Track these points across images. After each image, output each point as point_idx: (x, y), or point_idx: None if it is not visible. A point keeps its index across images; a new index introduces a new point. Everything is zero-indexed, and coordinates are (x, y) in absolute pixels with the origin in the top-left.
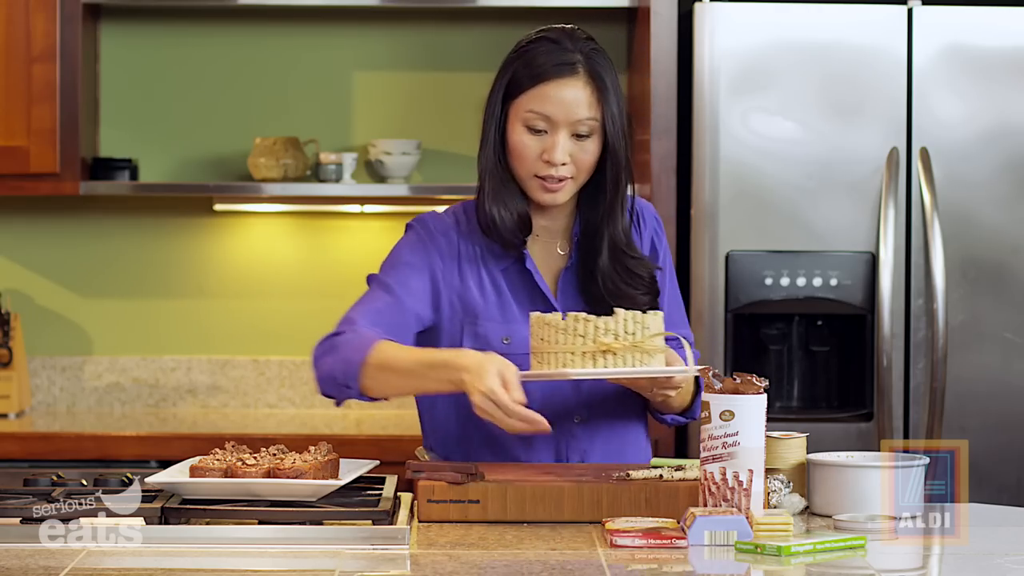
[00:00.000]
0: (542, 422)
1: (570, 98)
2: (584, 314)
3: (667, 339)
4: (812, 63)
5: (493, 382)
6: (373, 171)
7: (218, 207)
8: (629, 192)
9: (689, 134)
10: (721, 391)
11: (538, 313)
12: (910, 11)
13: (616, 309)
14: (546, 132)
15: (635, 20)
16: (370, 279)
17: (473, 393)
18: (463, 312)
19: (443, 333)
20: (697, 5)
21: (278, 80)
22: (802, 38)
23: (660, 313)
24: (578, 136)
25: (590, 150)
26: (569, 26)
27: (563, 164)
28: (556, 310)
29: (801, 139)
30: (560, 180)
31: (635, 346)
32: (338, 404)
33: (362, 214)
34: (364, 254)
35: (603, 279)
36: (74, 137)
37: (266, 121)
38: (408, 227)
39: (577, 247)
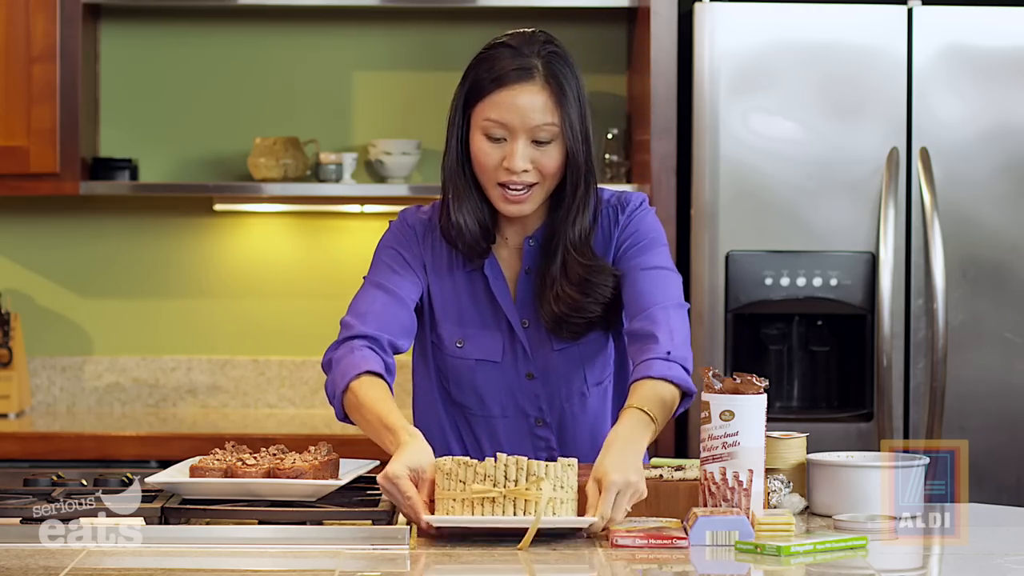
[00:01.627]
0: (421, 522)
1: (526, 104)
2: (466, 459)
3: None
4: (812, 63)
5: (401, 470)
6: (373, 171)
7: (218, 207)
8: (601, 193)
9: (689, 134)
10: (721, 391)
11: (444, 459)
12: (910, 11)
13: (498, 453)
14: (505, 140)
15: (635, 20)
16: (365, 280)
17: (386, 470)
18: (428, 312)
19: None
20: (697, 5)
21: (278, 80)
22: (802, 38)
23: (568, 462)
24: (538, 142)
25: (552, 155)
26: (530, 30)
27: (524, 171)
28: (515, 314)
29: (801, 139)
30: (523, 188)
31: (517, 493)
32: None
33: (362, 214)
34: (364, 254)
35: (555, 285)
36: (74, 137)
37: (266, 121)
38: (390, 224)
39: (535, 252)
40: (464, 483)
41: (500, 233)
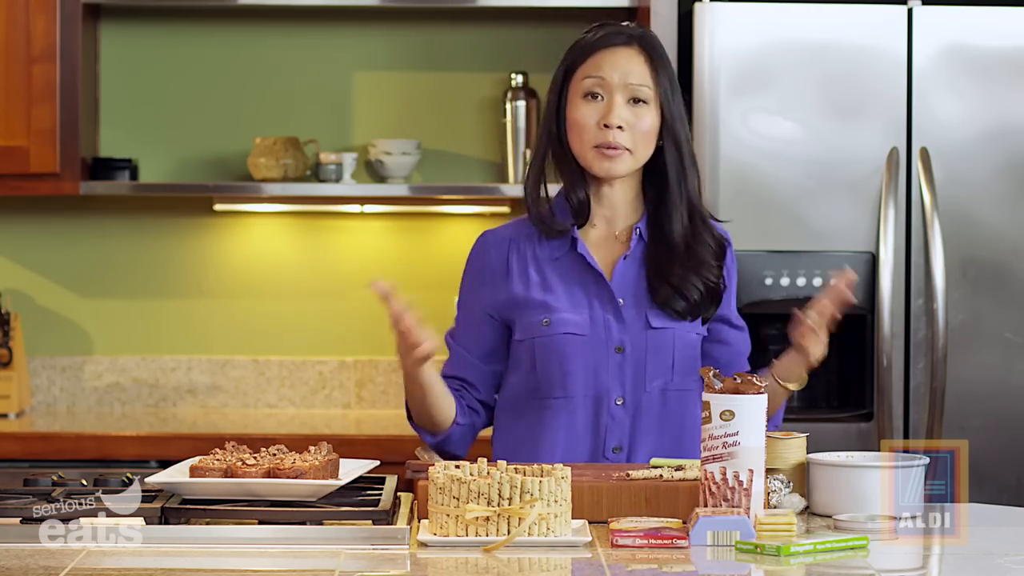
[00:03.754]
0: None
1: (624, 61)
2: (460, 475)
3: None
4: (812, 63)
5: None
6: (373, 171)
7: (218, 207)
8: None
9: None
10: (721, 391)
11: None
12: (910, 11)
13: (491, 470)
14: (602, 98)
15: (635, 20)
16: (446, 338)
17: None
18: (513, 309)
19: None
20: (697, 5)
21: (278, 80)
22: (802, 38)
23: (562, 474)
24: (635, 101)
25: (646, 119)
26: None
27: (619, 128)
28: (611, 291)
29: (801, 139)
30: (617, 149)
31: (512, 512)
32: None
33: (362, 214)
34: (364, 254)
35: (675, 259)
36: (74, 137)
37: (266, 121)
38: (468, 258)
39: (640, 244)
40: (458, 499)
41: (590, 221)
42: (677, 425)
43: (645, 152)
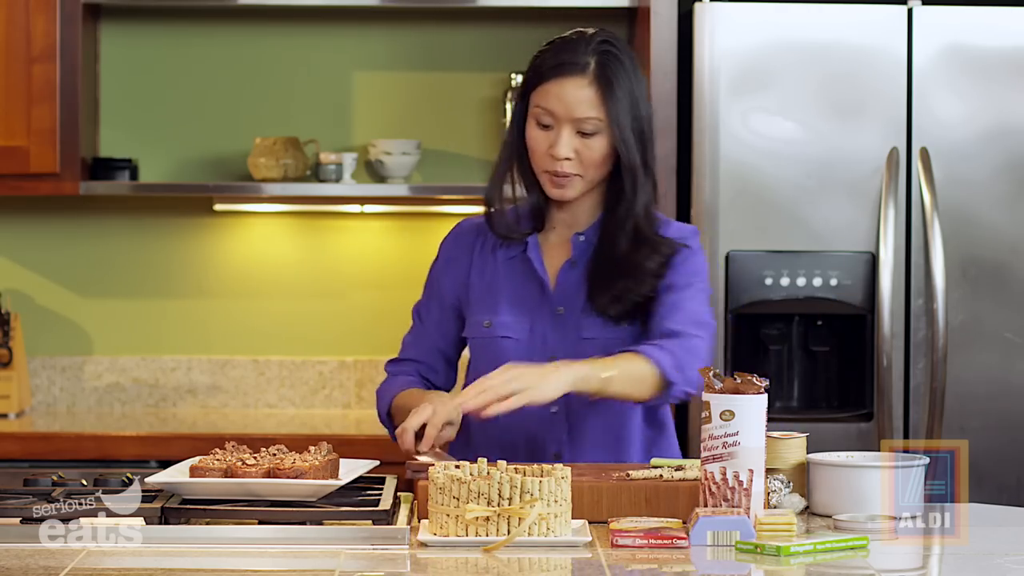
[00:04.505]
0: (407, 449)
1: (571, 96)
2: (460, 475)
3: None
4: (812, 63)
5: (413, 418)
6: (373, 171)
7: (218, 207)
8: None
9: (689, 134)
10: (721, 391)
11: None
12: (910, 11)
13: (491, 470)
14: (552, 127)
15: (635, 20)
16: (413, 310)
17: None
18: (466, 304)
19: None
20: (697, 5)
21: (278, 80)
22: (802, 38)
23: (562, 474)
24: (583, 133)
25: (595, 148)
26: (591, 30)
27: (567, 159)
28: (551, 299)
29: (801, 139)
30: (566, 177)
31: (512, 512)
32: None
33: (362, 214)
34: (364, 254)
35: (616, 267)
36: (74, 137)
37: (266, 121)
38: (440, 244)
39: (585, 250)
40: (458, 499)
41: (550, 223)
42: (615, 432)
43: (597, 175)
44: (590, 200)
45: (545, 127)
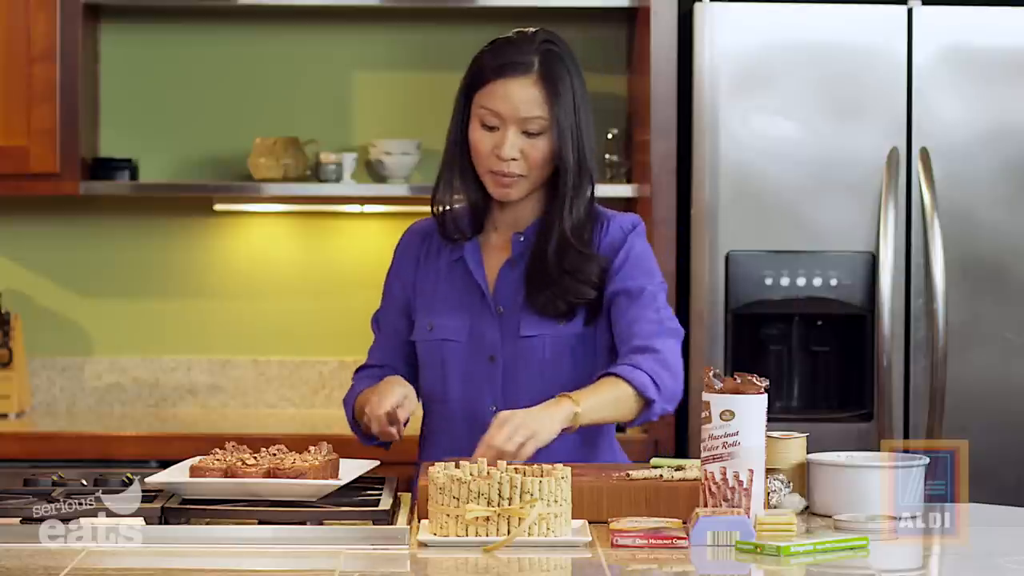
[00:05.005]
0: (385, 430)
1: (517, 96)
2: (460, 475)
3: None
4: (812, 63)
5: (373, 399)
6: (373, 171)
7: (218, 207)
8: (591, 193)
9: (689, 134)
10: (721, 391)
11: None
12: (910, 11)
13: (491, 470)
14: (498, 128)
15: (635, 20)
16: (372, 320)
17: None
18: (413, 308)
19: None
20: (697, 5)
21: (278, 80)
22: (802, 38)
23: (562, 474)
24: (528, 133)
25: (540, 147)
26: (532, 29)
27: (513, 160)
28: (490, 300)
29: (801, 139)
30: (510, 177)
31: (512, 512)
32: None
33: (362, 214)
34: (364, 254)
35: (550, 270)
36: (74, 137)
37: (266, 121)
38: (397, 242)
39: (524, 249)
40: (458, 499)
41: (491, 223)
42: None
43: (540, 175)
44: (531, 201)
45: (490, 128)
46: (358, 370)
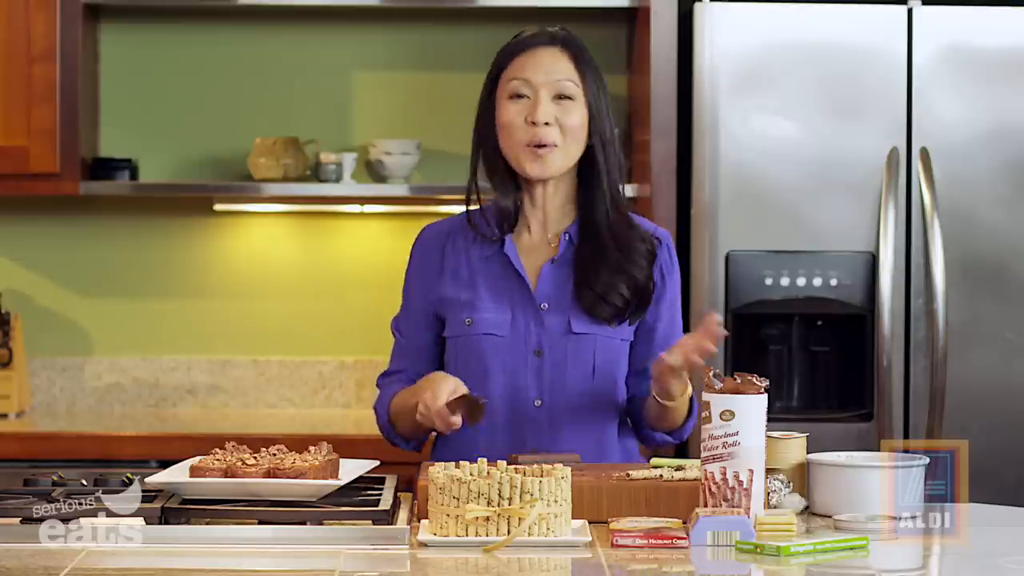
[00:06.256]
0: (448, 422)
1: (548, 61)
2: (460, 475)
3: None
4: (812, 63)
5: (426, 395)
6: (373, 171)
7: (218, 207)
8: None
9: (689, 134)
10: (721, 391)
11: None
12: (910, 11)
13: (491, 470)
14: (529, 97)
15: (635, 20)
16: (391, 327)
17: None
18: (443, 306)
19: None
20: (697, 5)
21: (278, 80)
22: (802, 38)
23: (562, 474)
24: (561, 97)
25: (574, 114)
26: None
27: (546, 124)
28: (533, 296)
29: (801, 139)
30: (546, 146)
31: (512, 512)
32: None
33: (362, 214)
34: (364, 254)
35: (603, 255)
36: (74, 137)
37: (266, 121)
38: (412, 246)
39: (569, 248)
40: (458, 499)
41: (523, 223)
42: (597, 430)
43: (576, 149)
44: (562, 196)
45: (521, 97)
46: (384, 375)
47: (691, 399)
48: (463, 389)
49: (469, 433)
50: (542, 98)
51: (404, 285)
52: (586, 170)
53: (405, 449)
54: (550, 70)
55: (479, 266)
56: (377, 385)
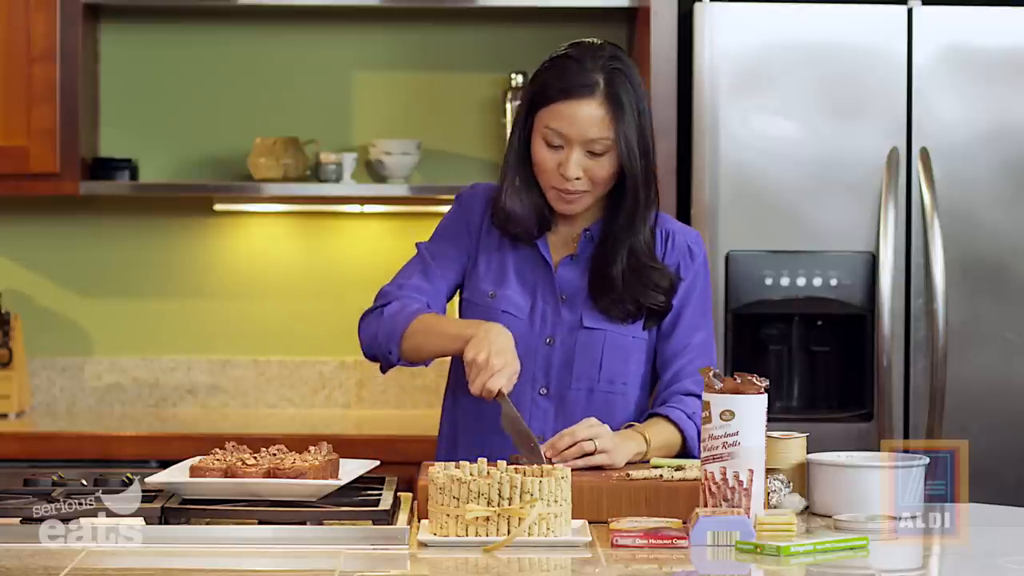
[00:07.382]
0: (490, 389)
1: (584, 118)
2: (460, 475)
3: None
4: (812, 63)
5: (495, 348)
6: (373, 171)
7: (218, 207)
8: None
9: (689, 134)
10: (721, 391)
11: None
12: (910, 11)
13: (491, 470)
14: (562, 147)
15: (635, 20)
16: (418, 246)
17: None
18: (471, 272)
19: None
20: (697, 5)
21: (278, 80)
22: (802, 38)
23: (562, 474)
24: (592, 153)
25: (604, 166)
26: (598, 42)
27: (577, 179)
28: (555, 286)
29: (801, 139)
30: (574, 194)
31: (512, 512)
32: (383, 371)
33: (362, 214)
34: (364, 254)
35: (622, 285)
36: (74, 137)
37: (266, 121)
38: (456, 198)
39: (588, 246)
40: (458, 499)
41: (553, 221)
42: (604, 422)
43: (603, 189)
44: (595, 204)
45: (555, 147)
46: (396, 286)
47: (679, 427)
48: (516, 367)
49: (483, 407)
50: (573, 155)
51: (447, 220)
52: (620, 192)
53: (386, 364)
54: (584, 128)
55: (511, 247)
56: (384, 291)
